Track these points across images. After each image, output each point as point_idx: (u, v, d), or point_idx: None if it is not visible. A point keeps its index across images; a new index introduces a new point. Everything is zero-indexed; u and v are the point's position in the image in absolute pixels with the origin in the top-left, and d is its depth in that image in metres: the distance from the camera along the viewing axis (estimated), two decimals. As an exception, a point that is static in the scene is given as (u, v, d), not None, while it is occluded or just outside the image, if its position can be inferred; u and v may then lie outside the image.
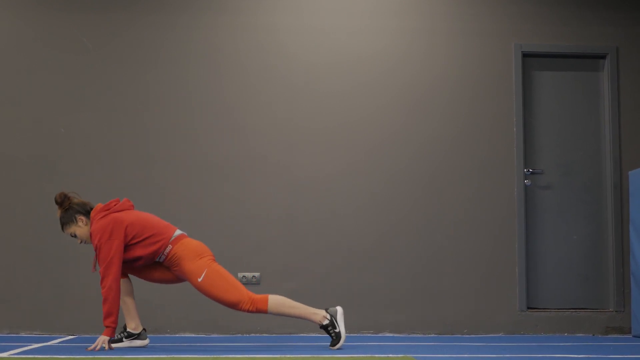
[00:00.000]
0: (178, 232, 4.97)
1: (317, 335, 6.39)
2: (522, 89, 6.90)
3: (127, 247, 4.86)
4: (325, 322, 4.84)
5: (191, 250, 4.89)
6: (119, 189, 6.52)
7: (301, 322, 6.52)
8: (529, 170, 6.88)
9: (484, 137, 6.85)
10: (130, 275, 5.12)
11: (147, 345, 5.14)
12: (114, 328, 4.77)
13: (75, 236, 5.01)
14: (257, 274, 6.59)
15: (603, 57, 7.02)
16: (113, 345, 4.94)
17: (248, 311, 4.80)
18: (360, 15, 6.89)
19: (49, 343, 5.47)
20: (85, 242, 5.04)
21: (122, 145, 6.66)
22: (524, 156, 6.85)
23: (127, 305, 5.07)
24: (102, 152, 6.64)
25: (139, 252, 4.86)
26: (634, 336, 6.42)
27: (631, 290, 6.45)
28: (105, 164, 6.62)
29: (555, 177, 6.97)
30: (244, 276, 6.56)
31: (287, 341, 5.77)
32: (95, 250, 4.84)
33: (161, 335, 6.33)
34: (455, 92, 6.87)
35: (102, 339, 4.74)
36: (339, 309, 4.87)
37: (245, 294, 4.80)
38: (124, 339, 5.05)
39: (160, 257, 4.91)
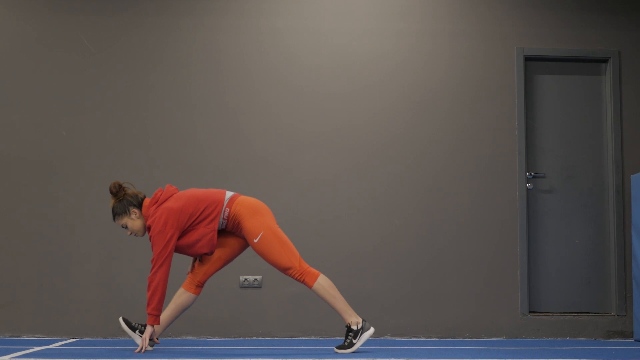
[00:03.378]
0: (230, 193, 4.93)
1: (318, 339, 6.38)
2: (524, 92, 6.90)
3: (190, 228, 4.82)
4: (355, 327, 4.81)
5: (248, 207, 4.86)
6: (121, 192, 6.52)
7: (303, 325, 6.52)
8: (531, 174, 6.88)
9: (486, 141, 6.85)
10: (187, 290, 5.04)
11: (150, 350, 5.11)
12: (157, 316, 4.73)
13: (126, 227, 4.97)
14: (258, 277, 6.58)
15: (605, 60, 7.02)
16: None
17: (295, 278, 4.83)
18: (362, 18, 6.89)
19: (50, 346, 5.46)
20: (135, 235, 5.00)
21: (124, 148, 6.66)
22: (526, 160, 6.85)
23: (168, 313, 5.02)
24: (104, 155, 6.64)
25: (201, 229, 4.82)
26: (636, 340, 6.41)
27: (633, 294, 6.44)
28: (107, 167, 6.62)
29: (557, 181, 6.96)
30: (245, 279, 6.55)
31: (289, 345, 5.77)
32: (151, 242, 4.82)
33: (163, 339, 6.32)
34: (457, 95, 6.87)
35: (145, 337, 4.74)
36: (371, 330, 4.83)
37: (297, 262, 4.81)
38: (137, 332, 5.00)
39: (222, 224, 4.88)
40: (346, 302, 4.87)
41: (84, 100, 6.68)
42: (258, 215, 4.86)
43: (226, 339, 6.44)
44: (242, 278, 6.55)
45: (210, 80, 6.76)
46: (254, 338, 6.50)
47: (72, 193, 6.59)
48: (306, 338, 6.48)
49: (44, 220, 6.53)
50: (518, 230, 6.77)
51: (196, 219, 4.83)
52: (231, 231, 4.96)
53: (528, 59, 6.97)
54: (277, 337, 6.53)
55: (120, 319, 4.91)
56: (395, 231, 6.73)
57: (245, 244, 5.02)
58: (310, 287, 4.81)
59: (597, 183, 6.98)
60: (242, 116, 6.75)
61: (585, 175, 6.99)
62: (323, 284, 4.83)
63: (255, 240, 4.82)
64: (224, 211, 4.85)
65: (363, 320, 4.82)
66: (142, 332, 4.97)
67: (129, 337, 5.19)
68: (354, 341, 4.78)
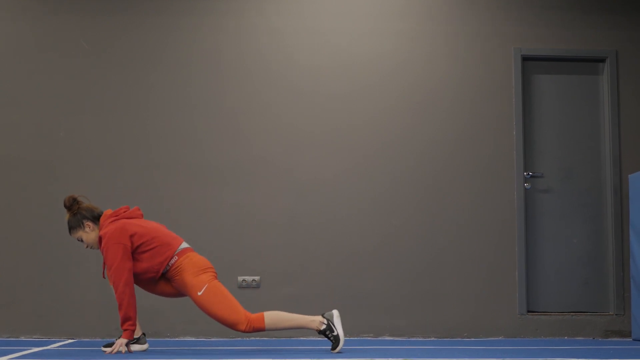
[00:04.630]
0: (184, 244, 4.95)
1: (317, 339, 6.38)
2: (522, 92, 6.91)
3: (134, 255, 4.83)
4: (323, 327, 4.83)
5: (194, 263, 4.87)
6: (120, 193, 6.53)
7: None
8: (529, 174, 6.88)
9: (484, 141, 6.85)
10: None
11: (146, 349, 5.13)
12: (133, 330, 4.74)
13: (81, 241, 5.00)
14: (257, 278, 6.58)
15: (602, 60, 7.03)
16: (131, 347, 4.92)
17: (245, 331, 4.79)
18: (362, 19, 6.90)
19: (48, 347, 5.46)
20: (91, 247, 5.02)
21: (123, 148, 6.66)
22: (524, 160, 6.85)
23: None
24: (104, 156, 6.64)
25: (145, 263, 4.83)
26: (634, 339, 6.41)
27: (631, 293, 6.45)
28: (107, 167, 6.62)
29: (555, 181, 6.97)
30: (244, 280, 6.55)
31: (287, 345, 5.76)
32: (103, 256, 4.82)
33: (161, 339, 6.32)
34: (455, 95, 6.88)
35: (121, 342, 4.71)
36: (335, 312, 4.86)
37: (242, 315, 4.77)
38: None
39: (165, 269, 4.89)
40: (299, 314, 4.87)
41: (84, 100, 6.68)
42: (202, 272, 4.86)
43: (224, 339, 6.44)
44: (240, 278, 6.55)
45: (210, 81, 6.76)
46: (252, 338, 6.50)
47: (72, 193, 6.55)
48: (304, 338, 6.47)
49: (44, 220, 6.53)
50: (516, 229, 6.77)
51: (144, 249, 4.83)
52: (168, 279, 4.96)
53: (525, 59, 6.98)
54: (275, 337, 6.53)
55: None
56: (393, 232, 6.73)
57: (178, 294, 5.01)
58: (263, 329, 4.80)
59: (595, 183, 6.99)
60: (242, 116, 6.75)
61: (583, 174, 7.00)
62: (273, 318, 4.82)
63: (199, 294, 4.80)
64: (172, 258, 4.87)
65: (322, 315, 4.84)
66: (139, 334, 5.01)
67: None
68: (334, 334, 4.80)
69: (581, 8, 7.02)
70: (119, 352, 4.71)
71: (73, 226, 4.98)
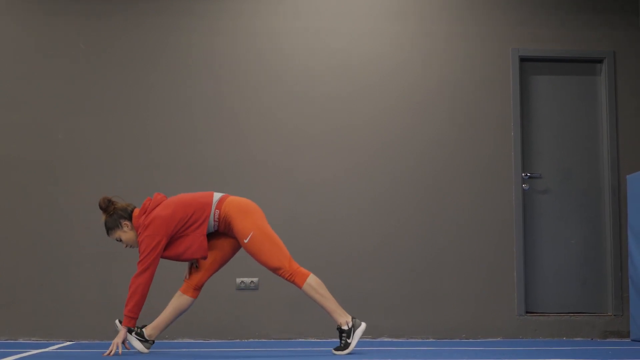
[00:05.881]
0: (218, 194, 4.92)
1: (316, 340, 6.39)
2: (520, 93, 6.91)
3: (176, 236, 4.81)
4: (346, 327, 4.80)
5: (237, 207, 4.87)
6: (120, 193, 6.48)
7: (300, 327, 6.53)
8: (527, 175, 6.88)
9: (481, 142, 6.85)
10: (184, 294, 5.04)
11: (146, 353, 5.11)
12: (135, 319, 4.73)
13: (120, 240, 4.99)
14: (255, 279, 6.59)
15: (600, 61, 7.03)
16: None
17: (285, 278, 4.81)
18: (359, 20, 6.90)
19: (47, 349, 5.46)
20: (130, 246, 5.01)
21: (123, 148, 6.67)
22: (521, 161, 6.85)
23: (165, 315, 5.02)
24: (104, 156, 6.65)
25: (191, 235, 4.80)
26: (633, 340, 6.42)
27: (629, 294, 6.45)
28: (107, 168, 6.63)
29: (554, 182, 6.97)
30: (242, 281, 6.56)
31: (286, 346, 5.77)
32: (138, 245, 4.81)
33: (160, 341, 6.32)
34: (453, 96, 6.88)
35: (117, 341, 4.72)
36: (363, 326, 4.82)
37: (287, 262, 4.79)
38: (134, 334, 4.99)
39: (214, 226, 4.88)
40: (336, 301, 4.83)
41: (84, 100, 6.69)
42: (248, 215, 4.86)
43: (223, 341, 6.45)
44: (238, 280, 6.56)
45: (208, 82, 6.76)
46: (251, 340, 6.50)
47: (72, 193, 6.59)
48: (303, 340, 6.48)
49: (44, 220, 6.54)
50: (514, 230, 6.77)
51: (185, 224, 4.82)
52: (224, 232, 4.96)
53: (523, 60, 6.98)
54: (273, 339, 6.54)
55: (117, 321, 4.91)
56: (392, 233, 6.73)
57: (237, 244, 5.02)
58: (300, 287, 4.80)
59: (593, 183, 6.99)
60: (240, 117, 6.75)
61: (581, 175, 7.00)
62: (312, 284, 4.81)
63: (246, 241, 4.82)
64: (214, 213, 4.86)
65: (353, 318, 4.81)
66: (138, 334, 4.97)
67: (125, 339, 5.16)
68: (348, 341, 4.78)
69: (579, 9, 7.02)
70: (117, 352, 4.72)
71: (111, 227, 4.94)
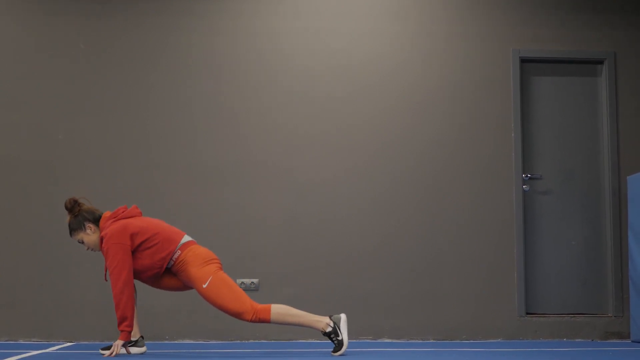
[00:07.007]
0: (187, 238, 4.95)
1: (316, 341, 6.39)
2: (520, 94, 6.90)
3: (136, 254, 4.84)
4: (329, 329, 4.80)
5: (198, 256, 4.87)
6: (120, 193, 6.53)
7: (300, 328, 6.52)
8: (527, 176, 6.88)
9: (482, 143, 6.85)
10: (135, 282, 5.09)
11: (144, 352, 5.13)
12: (130, 332, 4.75)
13: (82, 243, 5.00)
14: (255, 280, 6.59)
15: (601, 62, 7.02)
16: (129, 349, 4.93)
17: (251, 321, 4.77)
18: (359, 20, 6.89)
19: (47, 350, 5.46)
20: (92, 249, 5.02)
21: (123, 149, 6.66)
22: (522, 161, 6.85)
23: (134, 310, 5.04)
24: (104, 156, 6.64)
25: (148, 260, 4.82)
26: (633, 341, 6.42)
27: (630, 295, 6.45)
28: (107, 168, 6.62)
29: (554, 183, 6.97)
30: (242, 282, 6.55)
31: (286, 347, 5.77)
32: (104, 257, 4.82)
33: (159, 342, 6.32)
34: (454, 96, 6.88)
35: (118, 344, 4.73)
36: (343, 317, 4.83)
37: (248, 304, 4.76)
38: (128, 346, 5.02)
39: (169, 263, 4.89)
40: (308, 313, 4.82)
41: (83, 100, 6.68)
42: (207, 264, 4.85)
43: (223, 342, 6.44)
44: (239, 281, 6.55)
45: (208, 82, 6.76)
46: (251, 341, 6.50)
47: (72, 193, 6.50)
48: (303, 341, 6.48)
49: (44, 220, 6.53)
50: (515, 231, 6.77)
51: (147, 246, 4.83)
52: (174, 273, 4.96)
53: (524, 61, 6.97)
54: (274, 340, 6.53)
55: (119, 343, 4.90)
56: (392, 234, 6.73)
57: (185, 287, 5.01)
58: (268, 321, 4.77)
59: (594, 184, 6.99)
60: (240, 118, 6.75)
61: (582, 176, 6.99)
62: (279, 311, 4.79)
63: (204, 286, 4.79)
64: (175, 252, 4.87)
65: (329, 317, 4.81)
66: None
67: None
68: (339, 338, 4.78)
69: (579, 10, 7.02)
70: (117, 353, 4.73)
71: (74, 228, 4.97)
